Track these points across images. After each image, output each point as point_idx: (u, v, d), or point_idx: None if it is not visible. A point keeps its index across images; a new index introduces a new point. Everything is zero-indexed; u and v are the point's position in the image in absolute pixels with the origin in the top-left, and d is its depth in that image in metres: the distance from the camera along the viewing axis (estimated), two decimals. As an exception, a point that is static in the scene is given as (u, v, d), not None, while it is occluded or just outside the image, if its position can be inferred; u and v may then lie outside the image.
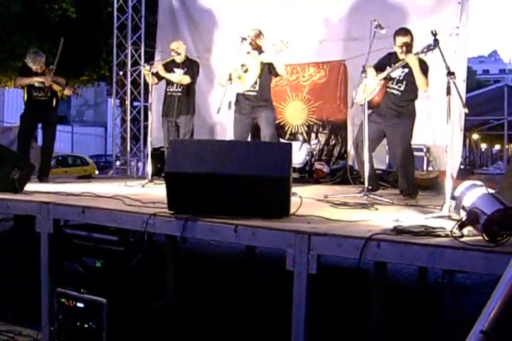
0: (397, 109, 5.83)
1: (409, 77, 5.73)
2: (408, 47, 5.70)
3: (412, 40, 5.73)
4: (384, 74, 5.79)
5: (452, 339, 4.24)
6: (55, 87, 7.46)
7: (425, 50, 5.28)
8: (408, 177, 5.82)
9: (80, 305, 4.47)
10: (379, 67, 5.88)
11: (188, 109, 7.57)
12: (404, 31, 5.78)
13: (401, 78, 5.81)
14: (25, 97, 7.57)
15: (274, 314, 4.46)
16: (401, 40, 5.73)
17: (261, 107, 6.87)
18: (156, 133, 9.27)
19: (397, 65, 5.72)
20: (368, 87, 5.71)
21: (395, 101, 5.84)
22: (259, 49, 6.79)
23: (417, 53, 5.50)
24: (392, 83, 5.85)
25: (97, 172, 16.51)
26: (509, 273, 1.92)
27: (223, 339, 4.60)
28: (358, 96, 5.91)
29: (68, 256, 4.69)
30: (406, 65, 5.70)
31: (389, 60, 5.91)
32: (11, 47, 13.77)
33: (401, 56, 5.75)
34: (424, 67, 5.63)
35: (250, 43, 6.73)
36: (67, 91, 7.80)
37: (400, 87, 5.82)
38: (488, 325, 1.87)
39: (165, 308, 4.63)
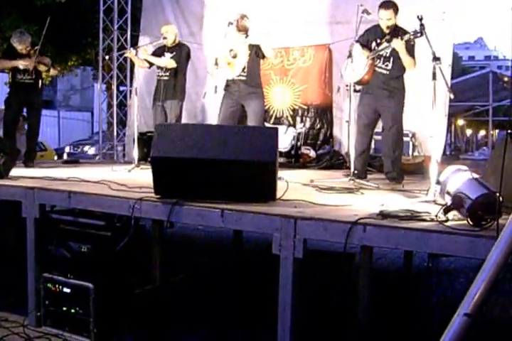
0: (387, 88, 5.80)
1: (396, 53, 5.66)
2: (391, 22, 5.68)
3: (395, 14, 5.69)
4: (372, 55, 5.76)
5: (437, 321, 4.30)
6: (41, 67, 7.35)
7: (412, 35, 5.26)
8: (395, 160, 5.81)
9: (67, 290, 4.47)
10: (364, 41, 5.84)
11: (175, 93, 7.51)
12: (387, 4, 5.71)
13: (387, 55, 5.76)
14: (10, 80, 7.50)
15: (261, 298, 4.49)
16: (384, 14, 5.68)
17: (250, 94, 6.78)
18: (143, 118, 9.24)
19: (383, 45, 5.69)
20: (355, 65, 5.69)
21: (385, 80, 5.81)
22: (245, 32, 6.70)
23: (402, 39, 5.48)
24: (380, 62, 5.80)
25: (56, 157, 16.03)
26: (492, 257, 1.94)
27: (210, 323, 4.63)
28: (347, 75, 5.88)
29: (55, 241, 4.68)
30: (391, 40, 5.66)
31: (374, 33, 5.86)
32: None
33: (386, 30, 5.73)
34: (409, 47, 5.58)
35: (237, 26, 6.66)
36: (52, 72, 7.71)
37: (387, 65, 5.79)
38: (471, 307, 1.89)
39: (152, 293, 4.65)
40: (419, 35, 5.09)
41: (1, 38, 13.82)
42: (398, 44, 5.51)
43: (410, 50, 5.59)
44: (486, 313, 1.95)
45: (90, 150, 19.03)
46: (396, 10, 5.70)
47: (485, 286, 1.91)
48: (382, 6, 5.72)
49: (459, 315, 1.90)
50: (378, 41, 5.79)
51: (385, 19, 5.67)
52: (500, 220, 2.59)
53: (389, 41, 5.61)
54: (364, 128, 5.89)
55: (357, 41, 5.84)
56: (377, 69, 5.83)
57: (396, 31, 5.65)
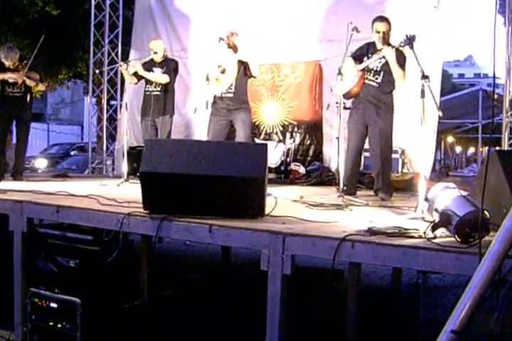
0: (376, 103, 5.84)
1: (386, 67, 5.74)
2: (386, 36, 5.74)
3: (389, 28, 5.76)
4: (362, 66, 5.80)
5: (424, 338, 4.29)
6: (29, 82, 7.35)
7: (402, 44, 5.27)
8: (384, 176, 5.84)
9: (54, 305, 4.44)
10: (357, 57, 5.90)
11: (166, 109, 7.53)
12: (382, 19, 5.80)
13: (378, 69, 5.82)
14: None
15: (249, 314, 4.47)
16: (378, 26, 5.75)
17: (237, 110, 6.81)
18: (132, 132, 9.25)
19: (375, 56, 5.74)
20: (346, 78, 5.73)
21: (374, 93, 5.85)
22: (235, 48, 6.71)
23: (393, 47, 5.51)
24: (370, 74, 5.86)
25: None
26: (479, 273, 1.95)
27: (198, 339, 4.60)
28: (337, 87, 5.91)
29: (42, 256, 4.65)
30: (382, 57, 5.73)
31: (367, 50, 5.92)
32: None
33: (379, 45, 5.78)
34: (401, 59, 5.64)
35: (227, 43, 6.68)
36: (40, 87, 7.69)
37: (377, 78, 5.84)
38: (458, 324, 1.90)
39: (139, 308, 4.62)
40: (408, 42, 5.10)
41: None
42: (389, 52, 5.55)
43: (402, 62, 5.64)
44: (471, 329, 1.96)
45: (41, 164, 18.02)
46: (390, 24, 5.77)
47: (471, 303, 1.92)
48: (376, 19, 5.82)
49: (445, 331, 1.90)
50: (370, 56, 5.84)
51: (381, 32, 5.73)
52: (488, 237, 2.60)
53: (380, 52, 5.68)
54: (354, 143, 5.92)
55: (350, 56, 5.90)
56: (366, 81, 5.88)
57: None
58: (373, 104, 5.86)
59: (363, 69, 5.85)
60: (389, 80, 5.83)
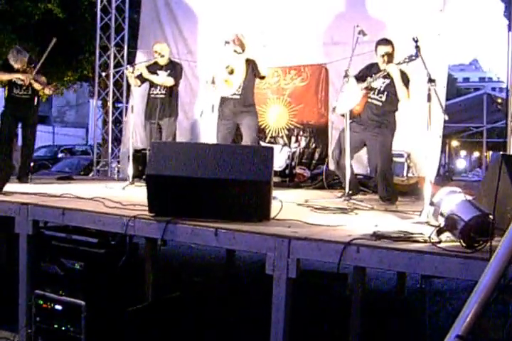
0: (378, 120, 5.85)
1: (390, 88, 5.78)
2: (389, 57, 5.77)
3: (393, 50, 5.80)
4: (365, 84, 5.82)
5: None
6: (36, 85, 7.37)
7: (407, 60, 5.32)
8: (387, 185, 5.84)
9: (58, 307, 4.45)
10: (360, 78, 5.91)
11: (171, 111, 7.54)
12: (386, 41, 5.85)
13: (382, 89, 5.85)
14: (6, 94, 7.50)
15: (254, 317, 4.47)
16: (383, 49, 5.79)
17: (244, 113, 6.79)
18: (138, 135, 9.26)
19: (378, 74, 5.76)
20: (349, 97, 5.73)
21: (376, 112, 5.87)
22: (242, 48, 6.65)
23: (398, 63, 5.54)
24: (374, 93, 5.88)
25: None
26: (485, 278, 1.94)
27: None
28: (339, 106, 5.92)
29: (47, 258, 4.66)
30: (387, 76, 5.75)
31: (370, 70, 5.96)
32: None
33: (382, 66, 5.81)
34: (405, 79, 5.69)
35: (234, 43, 6.64)
36: (47, 91, 7.67)
37: (380, 97, 5.85)
38: (463, 329, 1.89)
39: (144, 311, 4.62)
40: (414, 58, 5.14)
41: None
42: (393, 69, 5.57)
43: (405, 82, 5.66)
44: (478, 335, 1.95)
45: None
46: (393, 46, 5.79)
47: (477, 308, 1.91)
48: (380, 42, 5.86)
49: (450, 336, 1.90)
50: (373, 76, 5.85)
51: (385, 55, 5.77)
52: (493, 242, 2.60)
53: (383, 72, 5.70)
54: (351, 149, 5.90)
55: (353, 76, 5.91)
56: (370, 100, 5.88)
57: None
58: (375, 121, 5.87)
59: (366, 88, 5.85)
60: (392, 100, 5.85)
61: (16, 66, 7.31)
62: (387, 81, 5.79)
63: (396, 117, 5.96)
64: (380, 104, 5.85)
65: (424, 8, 7.59)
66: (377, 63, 5.92)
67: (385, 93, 5.83)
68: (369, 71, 5.95)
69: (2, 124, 7.49)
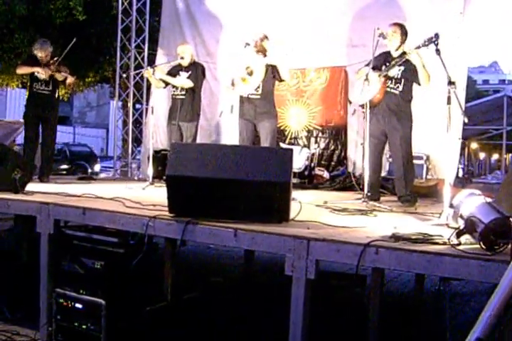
0: (397, 111, 5.84)
1: (406, 74, 5.76)
2: (397, 42, 5.83)
3: (402, 34, 5.85)
4: (384, 72, 5.80)
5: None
6: (58, 75, 7.43)
7: (426, 42, 5.23)
8: (407, 183, 5.81)
9: (79, 305, 4.48)
10: (374, 67, 5.88)
11: (192, 112, 7.56)
12: (394, 24, 5.93)
13: (399, 76, 5.82)
14: (28, 90, 7.55)
15: (272, 318, 4.48)
16: (390, 29, 5.84)
17: (263, 114, 6.71)
18: (158, 136, 9.32)
19: (393, 62, 5.75)
20: (368, 87, 5.73)
21: (395, 102, 5.85)
22: (264, 52, 6.67)
23: (418, 47, 5.46)
24: (391, 83, 5.86)
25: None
26: (505, 281, 1.94)
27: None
28: (358, 97, 5.91)
29: (68, 257, 4.70)
30: (402, 63, 5.74)
31: (384, 59, 5.95)
32: (14, 46, 13.75)
33: (394, 54, 5.83)
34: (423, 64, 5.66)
35: (255, 46, 6.64)
36: (69, 80, 7.64)
37: (398, 87, 5.83)
38: (484, 332, 1.90)
39: (163, 311, 4.65)
40: (434, 40, 5.07)
41: (14, 54, 13.94)
42: (414, 56, 5.53)
43: (424, 65, 5.64)
44: (498, 338, 1.96)
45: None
46: (402, 30, 5.83)
47: (497, 310, 1.91)
48: (390, 25, 5.90)
49: (470, 339, 1.90)
50: (387, 64, 5.85)
51: (390, 36, 5.81)
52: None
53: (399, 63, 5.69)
54: (374, 148, 5.90)
55: (367, 65, 5.91)
56: (388, 89, 5.87)
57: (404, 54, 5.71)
58: (394, 112, 5.85)
59: (385, 76, 5.83)
60: (409, 89, 5.85)
61: (40, 55, 7.37)
62: (402, 68, 5.77)
63: (411, 108, 5.96)
64: (398, 93, 5.85)
65: (444, 10, 7.58)
66: (389, 51, 5.93)
67: (402, 81, 5.81)
68: (382, 60, 5.95)
69: (26, 126, 7.57)
